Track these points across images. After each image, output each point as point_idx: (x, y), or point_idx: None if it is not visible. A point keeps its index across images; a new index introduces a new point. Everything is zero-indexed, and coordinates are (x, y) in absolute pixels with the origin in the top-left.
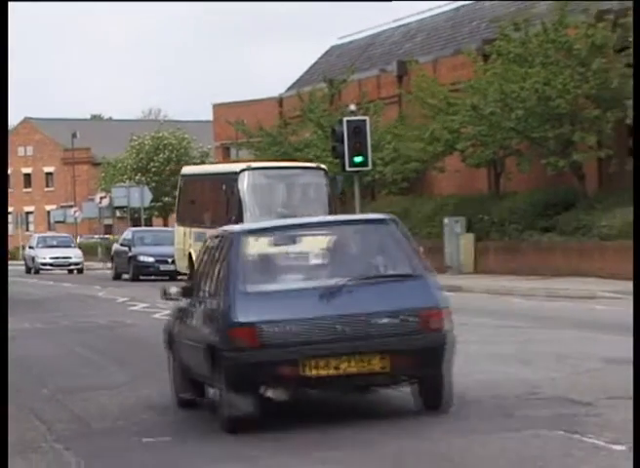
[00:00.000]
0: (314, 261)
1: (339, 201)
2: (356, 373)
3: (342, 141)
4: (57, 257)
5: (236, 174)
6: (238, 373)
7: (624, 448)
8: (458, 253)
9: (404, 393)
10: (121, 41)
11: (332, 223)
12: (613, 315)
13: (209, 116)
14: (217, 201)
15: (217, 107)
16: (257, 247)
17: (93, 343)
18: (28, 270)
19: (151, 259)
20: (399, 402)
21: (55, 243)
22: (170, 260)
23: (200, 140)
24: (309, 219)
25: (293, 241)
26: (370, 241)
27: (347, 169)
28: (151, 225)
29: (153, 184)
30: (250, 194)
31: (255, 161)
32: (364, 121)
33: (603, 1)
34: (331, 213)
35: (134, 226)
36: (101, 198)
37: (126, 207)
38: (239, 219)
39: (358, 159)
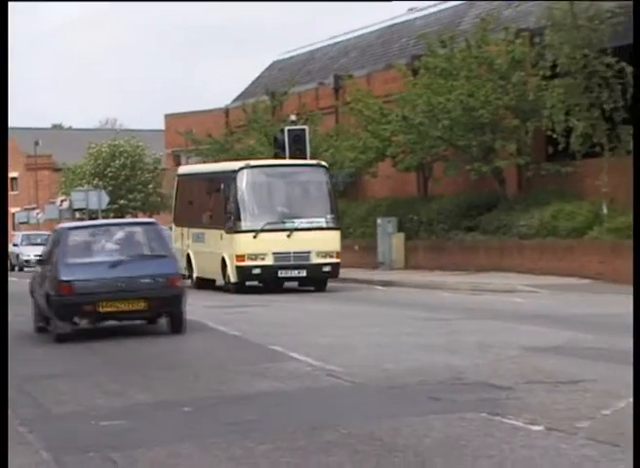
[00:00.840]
0: (110, 246)
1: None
2: (130, 310)
3: (284, 149)
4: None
5: (235, 172)
6: (61, 309)
7: (541, 429)
8: (390, 250)
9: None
10: (81, 54)
11: (122, 224)
12: (531, 307)
13: (161, 125)
14: (215, 200)
15: (168, 117)
16: (77, 237)
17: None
18: (12, 267)
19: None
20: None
21: (39, 241)
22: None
23: (153, 148)
24: (111, 221)
25: (100, 233)
26: (143, 235)
27: None
28: None
29: (110, 188)
30: (249, 193)
31: (253, 159)
32: (303, 130)
33: (523, 19)
34: (332, 210)
35: None
36: (62, 201)
37: (85, 209)
38: (237, 219)
39: None
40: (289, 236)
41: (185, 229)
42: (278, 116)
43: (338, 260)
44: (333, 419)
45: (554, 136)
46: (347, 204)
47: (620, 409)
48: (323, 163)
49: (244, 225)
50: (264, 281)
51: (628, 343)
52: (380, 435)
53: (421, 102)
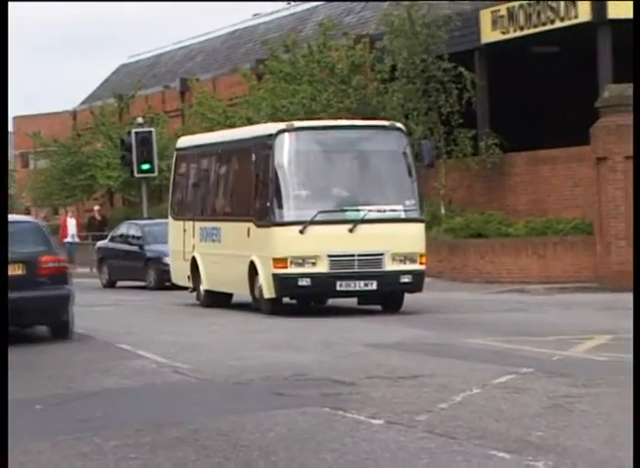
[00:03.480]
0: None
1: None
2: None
3: (131, 151)
4: None
5: (271, 138)
6: None
7: (382, 422)
8: None
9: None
10: None
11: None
12: (370, 306)
13: (10, 127)
14: (237, 181)
15: (17, 119)
16: None
17: None
18: None
19: None
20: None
21: None
22: None
23: None
24: None
25: None
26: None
27: (135, 175)
28: None
29: None
30: (293, 167)
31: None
32: (150, 132)
33: (362, 25)
34: (413, 194)
35: None
36: None
37: None
38: (275, 206)
39: (145, 166)
40: (352, 231)
41: (189, 223)
42: (125, 119)
43: (422, 267)
44: (179, 415)
45: None
46: None
47: (456, 403)
48: (399, 125)
49: (286, 215)
50: (316, 296)
51: (465, 339)
52: (226, 430)
53: (265, 105)
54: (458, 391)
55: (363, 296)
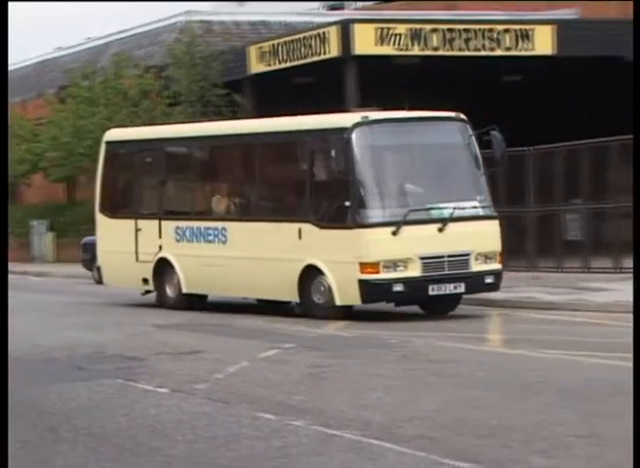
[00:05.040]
0: None
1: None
2: None
3: None
4: None
5: (346, 131)
6: None
7: (167, 391)
8: (42, 247)
9: None
10: None
11: None
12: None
13: None
14: (274, 179)
15: None
16: None
17: None
18: None
19: None
20: None
21: None
22: None
23: None
24: None
25: None
26: None
27: None
28: None
29: None
30: (375, 163)
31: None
32: None
33: (151, 58)
34: (484, 189)
35: None
36: None
37: None
38: (363, 206)
39: None
40: (441, 230)
41: (148, 222)
42: None
43: (500, 267)
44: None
45: None
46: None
47: (230, 374)
48: (462, 115)
49: (374, 216)
50: (409, 302)
51: (238, 320)
52: (34, 401)
53: (68, 125)
54: (231, 364)
55: (451, 299)
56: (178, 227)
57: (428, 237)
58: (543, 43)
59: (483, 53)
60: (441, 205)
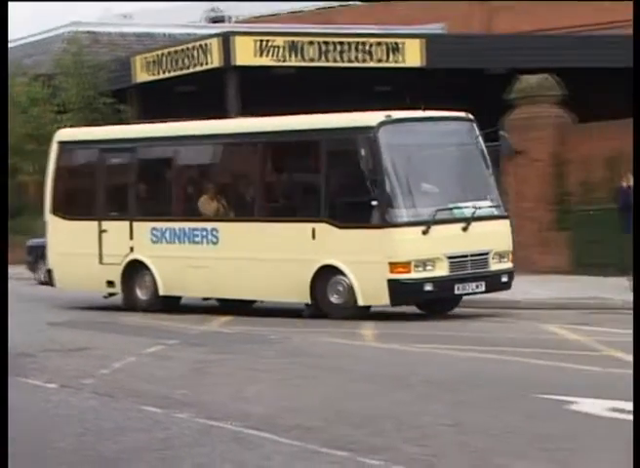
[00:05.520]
0: None
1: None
2: None
3: None
4: None
5: (370, 130)
6: None
7: (56, 386)
8: None
9: None
10: None
11: None
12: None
13: None
14: (282, 177)
15: None
16: None
17: None
18: None
19: None
20: None
21: None
22: None
23: None
24: None
25: None
26: None
27: None
28: None
29: None
30: (400, 162)
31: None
32: None
33: (39, 66)
34: (493, 188)
35: None
36: None
37: None
38: (392, 205)
39: None
40: (465, 230)
41: (114, 223)
42: None
43: (512, 265)
44: None
45: None
46: None
47: (116, 369)
48: (470, 115)
49: (404, 215)
50: (437, 302)
51: (125, 317)
52: None
53: None
54: (117, 360)
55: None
56: (154, 228)
57: (454, 236)
58: (413, 56)
59: (356, 64)
60: (461, 204)
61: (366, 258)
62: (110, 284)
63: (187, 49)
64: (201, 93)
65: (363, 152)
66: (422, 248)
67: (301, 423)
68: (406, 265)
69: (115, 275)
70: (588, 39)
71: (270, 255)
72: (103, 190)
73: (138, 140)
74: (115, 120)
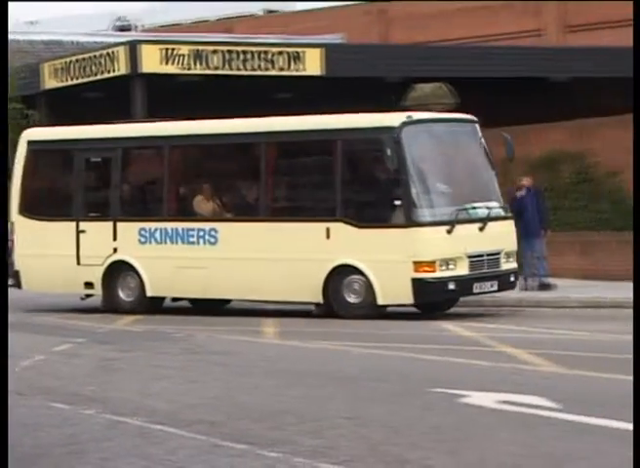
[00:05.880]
0: None
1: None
2: None
3: None
4: None
5: (393, 130)
6: None
7: None
8: None
9: None
10: None
11: None
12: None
13: None
14: (293, 176)
15: None
16: None
17: None
18: None
19: None
20: None
21: None
22: None
23: None
24: None
25: None
26: None
27: None
28: None
29: None
30: (422, 163)
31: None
32: None
33: None
34: (497, 189)
35: None
36: None
37: None
38: (415, 205)
39: None
40: (482, 229)
41: (95, 224)
42: None
43: (516, 265)
44: None
45: None
46: None
47: (25, 367)
48: (475, 117)
49: (428, 214)
50: (455, 301)
51: (36, 317)
52: None
53: None
54: (26, 358)
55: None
56: (142, 229)
57: (472, 236)
58: (313, 64)
59: (259, 72)
60: (476, 204)
61: (387, 258)
62: (89, 285)
63: (95, 56)
64: (108, 99)
65: (386, 152)
66: (446, 247)
67: (204, 418)
68: (431, 264)
69: (95, 276)
70: (480, 50)
71: (282, 255)
72: (81, 190)
73: (122, 140)
74: (24, 125)
